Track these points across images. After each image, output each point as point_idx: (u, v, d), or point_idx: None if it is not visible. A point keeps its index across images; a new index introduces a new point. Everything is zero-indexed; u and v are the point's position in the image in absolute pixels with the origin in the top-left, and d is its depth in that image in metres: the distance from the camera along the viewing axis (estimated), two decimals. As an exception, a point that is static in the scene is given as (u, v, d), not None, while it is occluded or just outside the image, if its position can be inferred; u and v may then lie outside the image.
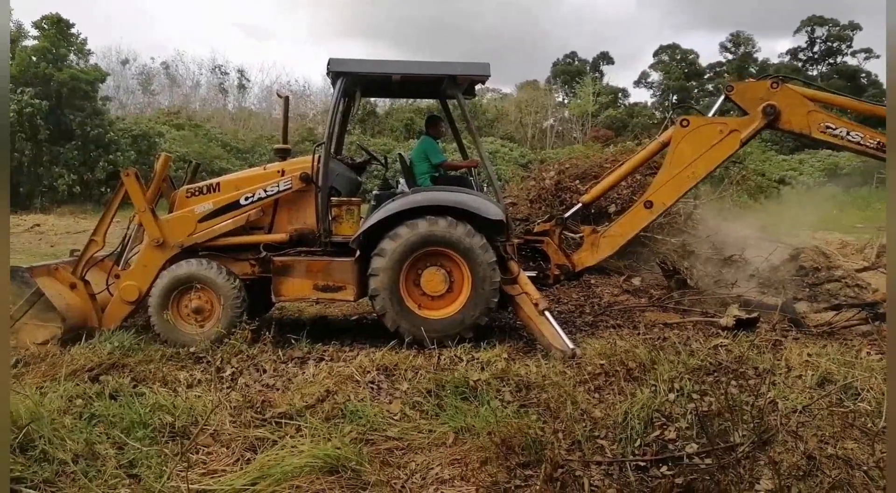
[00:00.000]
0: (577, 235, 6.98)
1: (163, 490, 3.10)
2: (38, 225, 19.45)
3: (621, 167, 7.05)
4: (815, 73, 55.84)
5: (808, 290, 7.20)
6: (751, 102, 6.23)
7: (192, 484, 3.13)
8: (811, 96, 6.27)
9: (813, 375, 4.48)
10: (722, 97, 6.53)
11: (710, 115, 6.57)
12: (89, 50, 29.86)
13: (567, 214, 7.08)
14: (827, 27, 55.34)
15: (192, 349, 5.66)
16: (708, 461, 3.31)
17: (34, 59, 25.83)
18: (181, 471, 3.24)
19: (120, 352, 5.38)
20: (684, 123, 6.35)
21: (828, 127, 6.09)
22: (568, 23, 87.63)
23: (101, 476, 3.32)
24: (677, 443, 3.57)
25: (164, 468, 3.36)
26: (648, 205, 6.43)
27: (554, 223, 6.88)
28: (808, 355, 5.00)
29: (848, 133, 6.09)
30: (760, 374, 4.60)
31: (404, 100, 37.42)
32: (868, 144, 6.05)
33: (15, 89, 24.57)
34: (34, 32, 27.40)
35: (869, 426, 3.57)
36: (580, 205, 7.17)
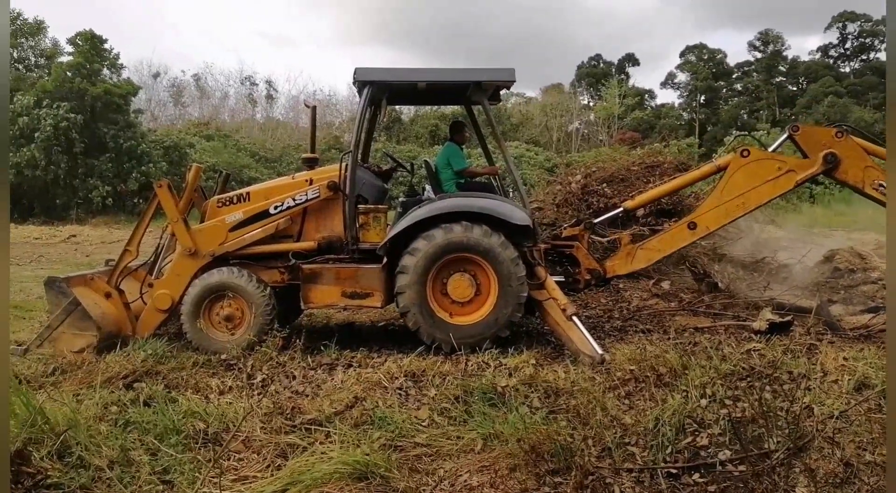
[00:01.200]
0: (605, 240, 6.93)
1: (196, 496, 3.14)
2: (74, 236, 19.93)
3: (672, 181, 7.07)
4: (846, 69, 54.71)
5: (843, 292, 7.05)
6: (813, 146, 6.22)
7: (223, 490, 3.17)
8: (871, 151, 6.23)
9: (850, 379, 4.38)
10: (785, 135, 6.49)
11: (771, 150, 6.53)
12: (122, 64, 30.60)
13: (598, 219, 7.06)
14: (859, 23, 54.18)
15: (223, 357, 5.74)
16: (741, 468, 3.26)
17: (69, 74, 26.52)
18: (213, 477, 3.28)
19: (153, 360, 5.47)
20: (745, 153, 6.34)
21: (880, 185, 6.08)
22: (589, 23, 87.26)
23: (135, 482, 3.39)
24: (710, 450, 3.51)
25: (197, 474, 3.41)
26: (692, 226, 6.44)
27: (583, 228, 6.86)
28: (845, 358, 4.89)
29: None
30: (795, 379, 4.51)
31: (429, 106, 37.58)
32: None
33: (51, 105, 25.28)
34: (69, 48, 28.18)
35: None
36: (622, 210, 7.10)
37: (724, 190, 6.32)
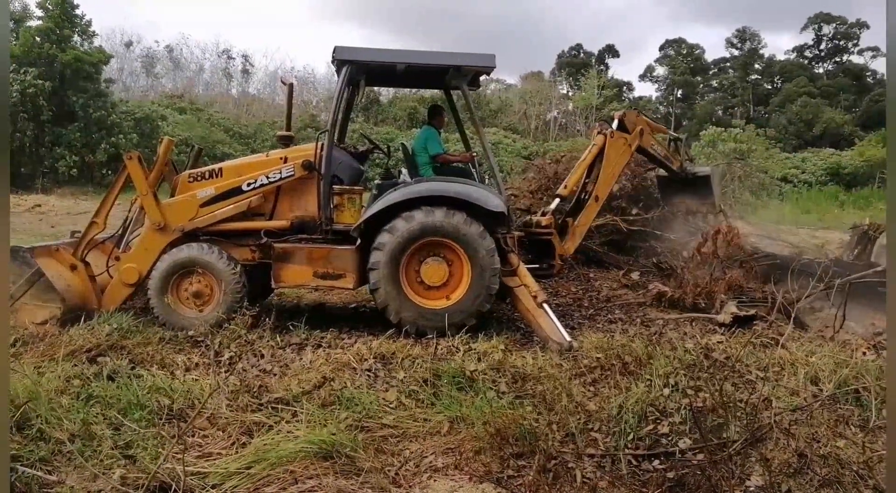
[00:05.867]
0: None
1: (158, 472, 3.12)
2: (39, 205, 19.42)
3: (579, 165, 7.67)
4: (820, 70, 55.63)
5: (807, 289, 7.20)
6: (632, 126, 7.74)
7: (187, 466, 3.15)
8: (654, 127, 8.18)
9: (807, 373, 4.50)
10: (617, 122, 7.75)
11: (609, 132, 7.66)
12: (93, 31, 29.68)
13: (553, 207, 7.35)
14: (834, 25, 55.07)
15: (190, 333, 5.69)
16: (700, 456, 3.34)
17: (38, 39, 25.70)
18: (177, 453, 3.26)
19: (118, 334, 5.38)
20: (612, 135, 7.55)
21: (652, 145, 8.04)
22: (571, 10, 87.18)
23: (96, 456, 3.35)
24: (670, 438, 3.59)
25: (160, 449, 3.39)
26: (597, 198, 7.44)
27: (553, 216, 7.05)
28: (805, 353, 5.02)
29: (657, 148, 8.17)
30: (755, 371, 4.62)
31: (408, 89, 37.30)
32: (661, 154, 8.26)
33: (18, 69, 24.49)
34: (38, 13, 27.27)
35: (860, 425, 3.59)
36: (559, 199, 7.51)
37: (606, 164, 7.48)
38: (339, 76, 6.26)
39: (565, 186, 7.62)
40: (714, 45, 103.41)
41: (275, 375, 4.77)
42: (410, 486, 3.26)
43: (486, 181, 6.97)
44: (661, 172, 8.92)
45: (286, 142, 6.62)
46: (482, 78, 6.83)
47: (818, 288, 6.46)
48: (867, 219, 8.82)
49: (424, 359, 4.94)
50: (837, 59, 55.83)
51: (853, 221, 8.83)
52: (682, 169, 8.50)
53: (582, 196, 7.58)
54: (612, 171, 7.60)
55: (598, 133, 7.69)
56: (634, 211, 9.51)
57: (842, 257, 8.14)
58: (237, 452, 3.50)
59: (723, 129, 25.82)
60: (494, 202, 6.01)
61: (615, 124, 7.77)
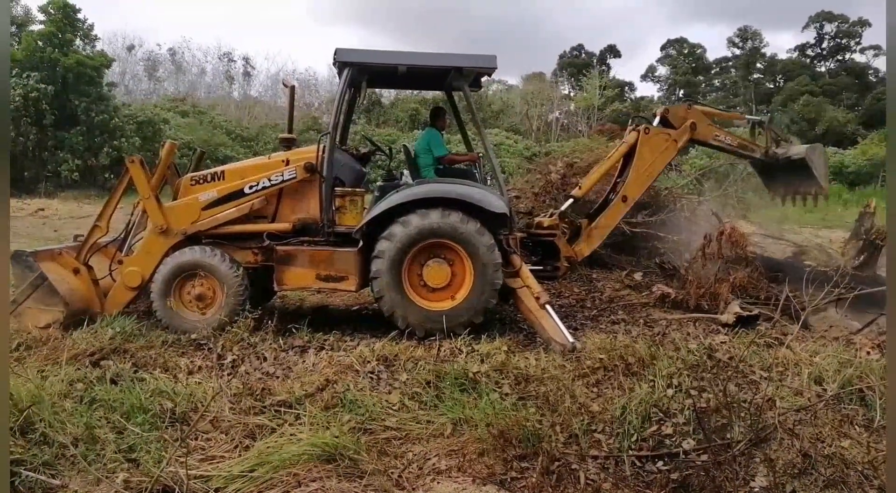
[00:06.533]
0: (572, 227, 7.12)
1: (161, 476, 3.12)
2: (42, 209, 19.45)
3: (603, 164, 7.50)
4: (822, 69, 55.52)
5: (810, 288, 7.18)
6: (679, 121, 7.35)
7: (190, 470, 3.15)
8: (710, 114, 7.71)
9: (811, 373, 4.48)
10: (658, 118, 7.41)
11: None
12: (95, 35, 29.77)
13: (564, 208, 7.23)
14: (836, 23, 54.96)
15: (193, 336, 5.69)
16: (704, 457, 3.32)
17: (40, 43, 25.76)
18: (180, 457, 3.26)
19: (121, 337, 5.40)
20: (647, 130, 7.22)
21: (716, 136, 7.55)
22: (572, 10, 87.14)
23: (100, 460, 3.35)
24: (674, 439, 3.58)
25: (163, 453, 3.39)
26: (625, 199, 7.16)
27: (559, 218, 7.02)
28: (809, 353, 5.00)
29: (724, 139, 7.67)
30: (758, 371, 4.60)
31: (409, 91, 37.28)
32: (733, 144, 7.75)
33: (21, 73, 24.55)
34: (41, 17, 27.35)
35: (865, 425, 3.58)
36: (572, 200, 7.39)
37: (638, 163, 7.13)
38: (340, 78, 6.27)
39: (580, 187, 7.46)
40: (715, 44, 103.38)
41: (277, 377, 4.77)
42: (414, 488, 3.26)
43: (489, 182, 6.97)
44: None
45: (288, 144, 6.62)
46: (484, 79, 6.83)
47: (825, 300, 6.29)
48: (871, 202, 8.36)
49: (427, 361, 4.94)
50: (839, 58, 55.71)
51: (855, 220, 8.62)
52: (769, 154, 7.81)
53: (610, 196, 7.31)
54: (645, 170, 7.18)
55: (632, 130, 7.34)
56: (640, 217, 9.44)
57: (846, 265, 7.55)
58: (240, 455, 3.50)
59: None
60: (496, 203, 6.01)
61: (656, 121, 7.37)
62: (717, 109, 7.97)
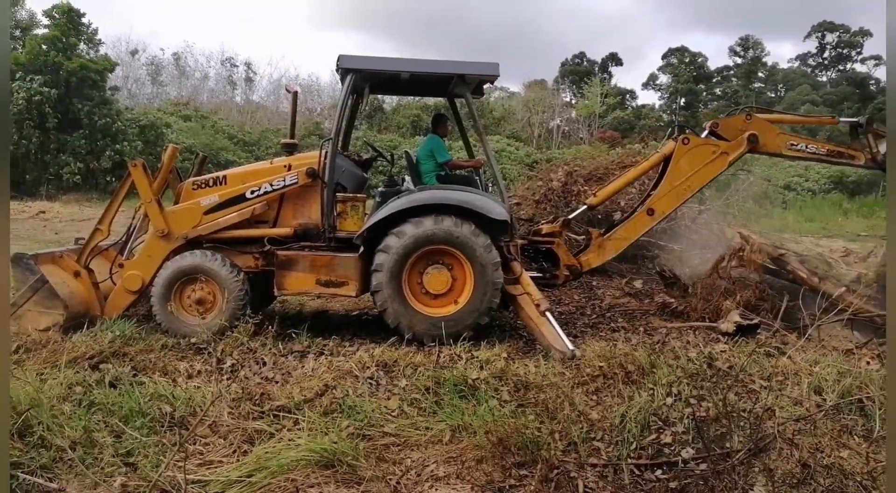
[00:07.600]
0: (580, 237, 7.02)
1: (159, 480, 3.12)
2: (44, 212, 19.50)
3: (627, 174, 7.25)
4: (823, 79, 55.64)
5: (810, 297, 7.17)
6: (733, 132, 6.83)
7: (188, 474, 3.15)
8: (775, 120, 7.06)
9: (811, 383, 4.48)
10: (707, 131, 6.95)
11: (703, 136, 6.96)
12: (99, 40, 29.93)
13: (572, 216, 7.15)
14: (837, 33, 55.12)
15: (193, 340, 5.69)
16: (703, 466, 3.31)
17: (44, 47, 25.87)
18: (178, 461, 3.26)
19: (121, 341, 5.40)
20: (686, 141, 6.79)
21: (792, 144, 6.88)
22: (573, 18, 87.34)
23: (98, 464, 3.35)
24: (673, 447, 3.57)
25: (162, 457, 3.39)
26: (651, 212, 6.79)
27: (561, 225, 6.96)
28: (808, 362, 5.00)
29: (806, 147, 6.93)
30: (758, 380, 4.60)
31: (411, 97, 37.36)
32: (821, 152, 6.99)
33: (24, 77, 24.65)
34: (45, 21, 27.47)
35: (864, 435, 3.57)
36: (585, 207, 7.24)
37: (672, 176, 6.73)
38: (343, 84, 6.29)
39: (595, 195, 7.16)
40: (717, 53, 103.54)
41: (277, 382, 4.77)
42: (412, 495, 3.25)
43: (490, 189, 6.98)
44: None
45: (290, 149, 6.63)
46: (486, 86, 6.85)
47: (833, 320, 6.10)
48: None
49: (426, 367, 4.93)
50: (841, 68, 55.86)
51: (855, 230, 8.58)
52: (875, 161, 6.81)
53: (639, 208, 6.94)
54: (681, 183, 6.67)
55: (672, 139, 6.84)
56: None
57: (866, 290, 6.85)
58: (238, 460, 3.50)
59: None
60: (497, 210, 6.02)
61: (704, 133, 6.86)
62: (790, 114, 7.34)
